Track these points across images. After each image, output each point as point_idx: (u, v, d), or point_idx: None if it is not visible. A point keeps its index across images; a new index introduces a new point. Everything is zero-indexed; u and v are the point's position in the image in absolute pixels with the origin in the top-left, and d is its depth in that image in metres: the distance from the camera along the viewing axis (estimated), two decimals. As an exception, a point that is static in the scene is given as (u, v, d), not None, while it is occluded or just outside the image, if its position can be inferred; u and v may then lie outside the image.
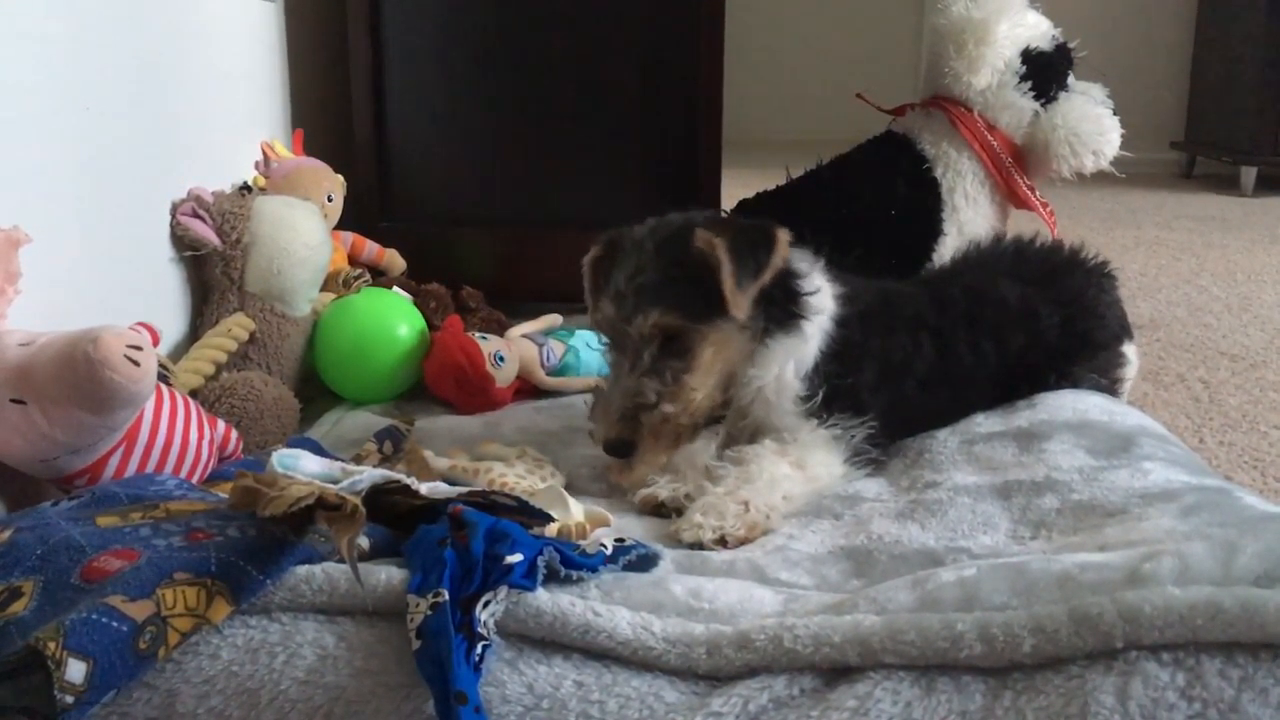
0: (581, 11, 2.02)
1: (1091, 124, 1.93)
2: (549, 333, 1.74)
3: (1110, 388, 1.43)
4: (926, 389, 1.31)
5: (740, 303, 1.15)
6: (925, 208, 1.96)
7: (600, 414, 1.19)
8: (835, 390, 1.23)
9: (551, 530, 0.99)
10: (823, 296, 1.26)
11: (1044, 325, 1.39)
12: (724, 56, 1.98)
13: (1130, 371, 1.51)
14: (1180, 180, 4.71)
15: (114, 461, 1.09)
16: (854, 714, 0.73)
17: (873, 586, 0.86)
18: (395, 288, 1.79)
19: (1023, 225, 1.71)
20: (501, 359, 1.59)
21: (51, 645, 0.71)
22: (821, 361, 1.24)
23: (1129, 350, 1.50)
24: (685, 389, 1.17)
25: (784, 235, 1.19)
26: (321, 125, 2.09)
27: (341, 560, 0.83)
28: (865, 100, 2.14)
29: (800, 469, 1.18)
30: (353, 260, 1.93)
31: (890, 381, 1.28)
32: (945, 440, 1.27)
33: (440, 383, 1.60)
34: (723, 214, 1.28)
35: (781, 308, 1.22)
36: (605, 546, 0.90)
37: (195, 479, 1.18)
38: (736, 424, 1.25)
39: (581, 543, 0.93)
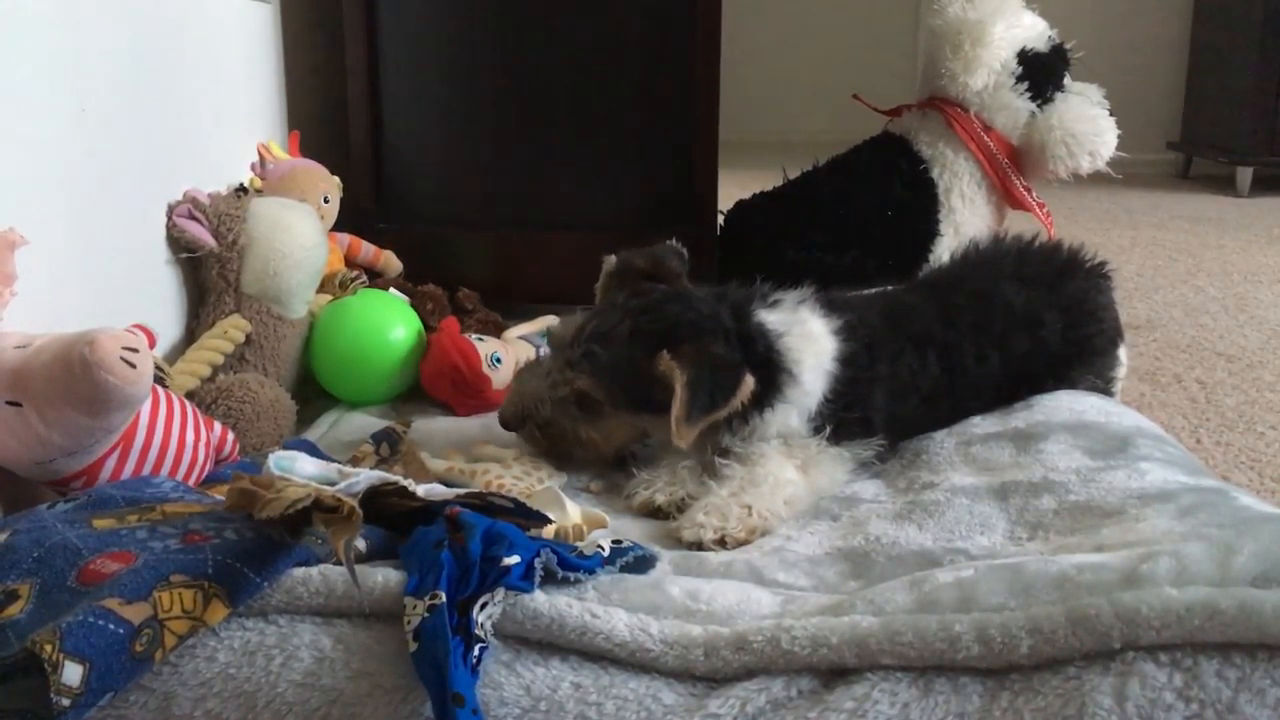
0: (578, 12, 2.01)
1: (1088, 125, 1.93)
2: (545, 334, 1.73)
3: (1104, 389, 1.43)
4: (931, 401, 1.31)
5: (686, 435, 1.14)
6: (922, 208, 1.97)
7: (510, 393, 1.29)
8: (842, 422, 1.23)
9: (548, 532, 0.99)
10: (820, 340, 1.24)
11: (1047, 332, 1.38)
12: (720, 57, 1.98)
13: (1122, 372, 1.52)
14: (1177, 181, 4.72)
15: (110, 464, 1.09)
16: (851, 715, 0.73)
17: (870, 588, 0.86)
18: (392, 289, 1.79)
19: (1019, 226, 1.71)
20: (498, 360, 1.59)
21: (48, 648, 0.71)
22: (825, 403, 1.23)
23: (1122, 352, 1.51)
24: (579, 433, 1.23)
25: (749, 382, 1.15)
26: (318, 127, 2.09)
27: (338, 562, 0.83)
28: (862, 101, 2.14)
29: (805, 473, 1.18)
30: (349, 262, 1.92)
31: (896, 400, 1.28)
32: (942, 441, 1.27)
33: (437, 384, 1.59)
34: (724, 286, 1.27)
35: (767, 390, 1.19)
36: (602, 548, 0.90)
37: (192, 481, 1.18)
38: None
39: (579, 544, 0.94)
